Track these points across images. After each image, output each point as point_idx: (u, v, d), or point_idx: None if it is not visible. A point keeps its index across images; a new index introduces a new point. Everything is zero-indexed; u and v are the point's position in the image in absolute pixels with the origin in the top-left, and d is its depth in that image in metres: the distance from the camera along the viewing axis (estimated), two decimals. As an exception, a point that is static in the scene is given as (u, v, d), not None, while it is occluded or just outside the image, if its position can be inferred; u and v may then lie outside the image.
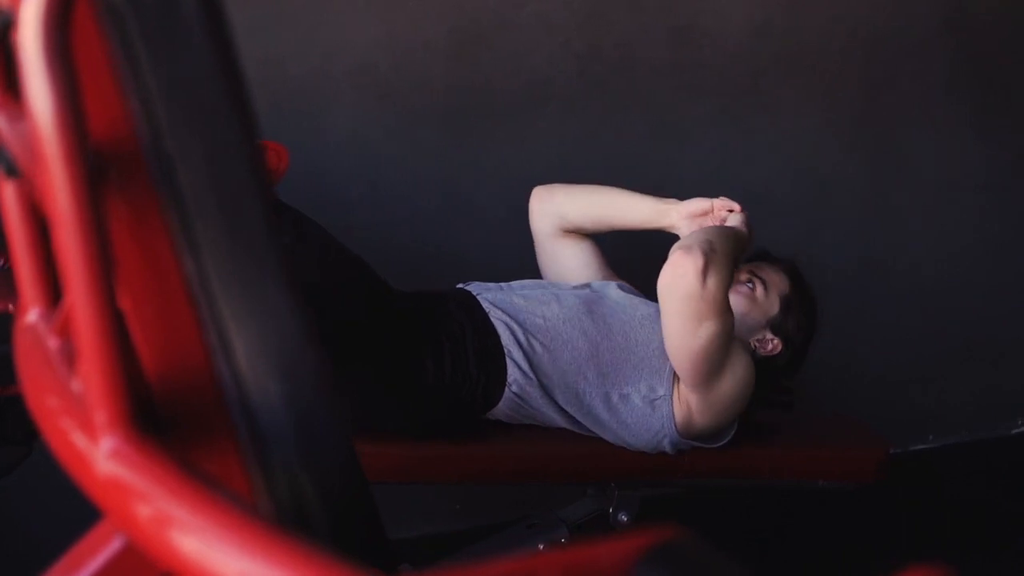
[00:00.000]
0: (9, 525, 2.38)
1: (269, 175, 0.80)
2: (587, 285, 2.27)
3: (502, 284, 2.23)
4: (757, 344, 2.25)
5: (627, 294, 2.25)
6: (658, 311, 2.11)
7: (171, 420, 0.84)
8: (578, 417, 2.12)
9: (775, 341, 2.27)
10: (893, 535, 2.87)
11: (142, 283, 0.82)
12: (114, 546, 0.82)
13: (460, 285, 2.22)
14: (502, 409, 2.10)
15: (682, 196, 2.26)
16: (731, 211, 2.17)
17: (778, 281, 2.29)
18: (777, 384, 2.34)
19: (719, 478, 2.28)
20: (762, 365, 2.20)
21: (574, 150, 2.86)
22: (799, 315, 2.29)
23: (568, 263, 2.36)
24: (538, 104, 2.82)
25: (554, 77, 2.82)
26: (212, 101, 0.77)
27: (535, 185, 2.38)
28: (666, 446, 2.13)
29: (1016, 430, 3.50)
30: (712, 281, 1.92)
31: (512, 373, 2.06)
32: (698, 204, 2.19)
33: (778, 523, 2.84)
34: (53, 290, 0.94)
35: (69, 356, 0.87)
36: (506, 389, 2.07)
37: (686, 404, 2.09)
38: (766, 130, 3.12)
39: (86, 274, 0.73)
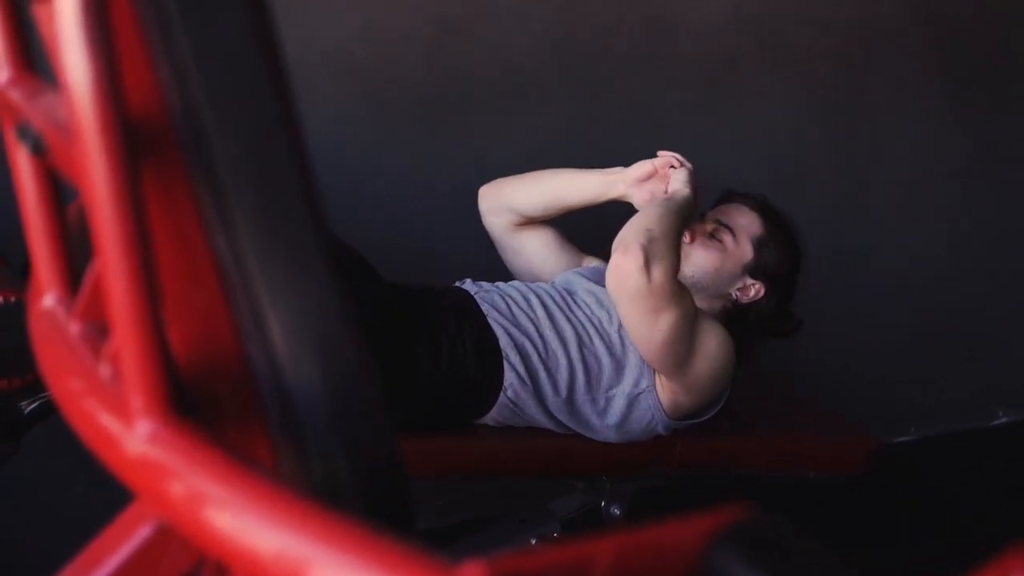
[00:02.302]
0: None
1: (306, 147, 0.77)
2: (554, 285, 2.21)
3: (497, 284, 2.20)
4: (738, 293, 2.20)
5: (594, 286, 2.19)
6: None
7: (198, 402, 0.82)
8: (570, 425, 2.11)
9: (756, 285, 2.20)
10: (882, 527, 2.87)
11: (170, 262, 0.80)
12: (144, 532, 0.80)
13: (457, 283, 2.20)
14: (493, 416, 2.07)
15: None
16: (673, 167, 2.12)
17: (747, 223, 2.23)
18: (778, 320, 2.26)
19: (711, 470, 2.27)
20: (751, 311, 2.18)
21: (551, 140, 2.84)
22: (776, 251, 2.21)
23: (533, 255, 2.33)
24: (515, 94, 2.80)
25: (532, 67, 2.81)
26: (249, 68, 0.74)
27: (512, 174, 2.34)
28: (660, 431, 2.12)
29: (996, 421, 3.52)
30: (657, 272, 1.88)
31: (508, 377, 2.03)
32: (641, 168, 2.15)
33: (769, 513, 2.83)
34: (71, 275, 0.91)
35: (93, 339, 0.84)
36: (501, 394, 2.04)
37: (670, 389, 2.07)
38: (742, 120, 3.12)
39: (123, 252, 0.71)
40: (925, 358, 3.48)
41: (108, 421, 0.77)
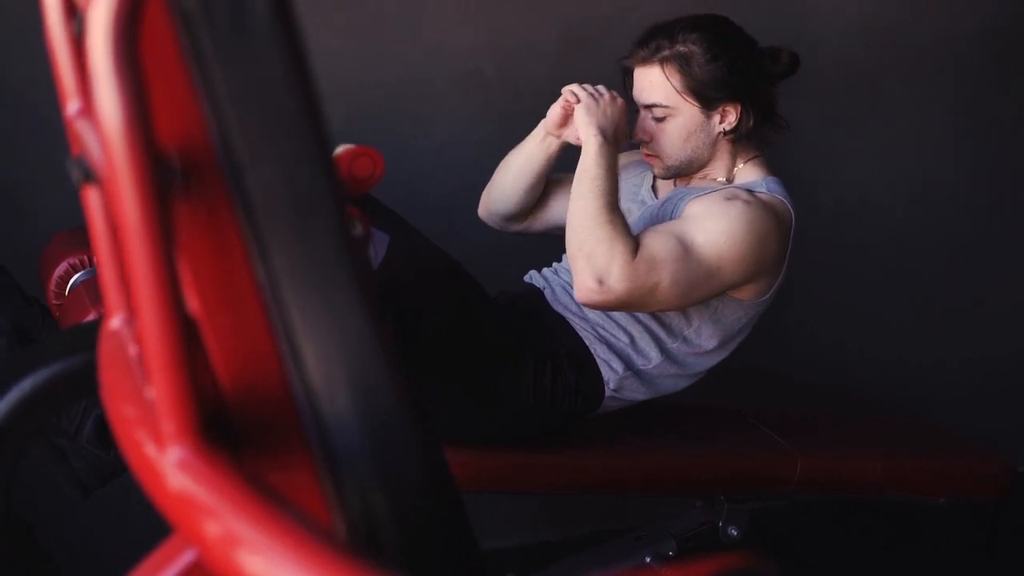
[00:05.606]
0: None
1: (341, 180, 0.77)
2: None
3: (555, 268, 2.19)
4: (723, 126, 2.05)
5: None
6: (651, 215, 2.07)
7: (245, 431, 0.82)
8: (680, 372, 2.08)
9: (727, 109, 2.04)
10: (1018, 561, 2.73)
11: (215, 290, 0.80)
12: (185, 559, 0.80)
13: (527, 279, 2.20)
14: (605, 406, 2.07)
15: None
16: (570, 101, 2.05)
17: (662, 82, 2.03)
18: (770, 76, 2.11)
19: (833, 493, 2.20)
20: (747, 120, 2.05)
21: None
22: (705, 73, 2.01)
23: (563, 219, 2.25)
24: (644, 109, 2.77)
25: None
26: (283, 106, 0.75)
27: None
28: (761, 311, 2.09)
29: None
30: (614, 278, 1.83)
31: (606, 373, 2.03)
32: (552, 115, 2.10)
33: (892, 540, 2.73)
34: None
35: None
36: (605, 388, 2.04)
37: (739, 289, 2.01)
38: (883, 134, 3.04)
39: (151, 282, 0.72)
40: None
41: (152, 452, 0.78)
